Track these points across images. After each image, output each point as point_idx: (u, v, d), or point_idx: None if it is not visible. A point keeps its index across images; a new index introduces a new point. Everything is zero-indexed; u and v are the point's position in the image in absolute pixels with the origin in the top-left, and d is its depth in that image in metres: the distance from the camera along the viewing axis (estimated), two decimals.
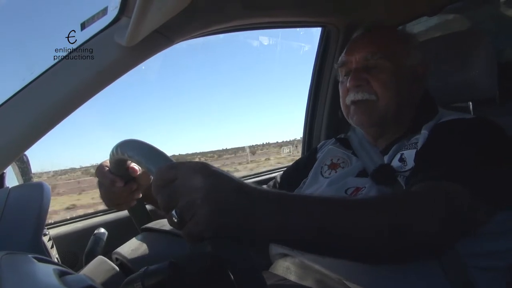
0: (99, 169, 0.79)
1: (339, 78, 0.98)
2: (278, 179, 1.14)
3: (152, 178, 0.50)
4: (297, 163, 1.17)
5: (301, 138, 1.71)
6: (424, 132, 0.82)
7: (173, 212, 0.46)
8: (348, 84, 0.89)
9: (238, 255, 0.46)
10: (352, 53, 0.92)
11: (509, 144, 0.74)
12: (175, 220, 0.46)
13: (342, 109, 0.96)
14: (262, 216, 0.48)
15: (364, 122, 0.90)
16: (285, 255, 0.86)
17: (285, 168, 1.21)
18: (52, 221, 1.26)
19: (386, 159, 0.86)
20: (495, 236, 0.71)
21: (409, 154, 0.82)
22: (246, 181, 0.51)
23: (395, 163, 0.83)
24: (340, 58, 0.96)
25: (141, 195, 0.85)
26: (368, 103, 0.88)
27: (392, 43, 0.91)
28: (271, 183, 1.16)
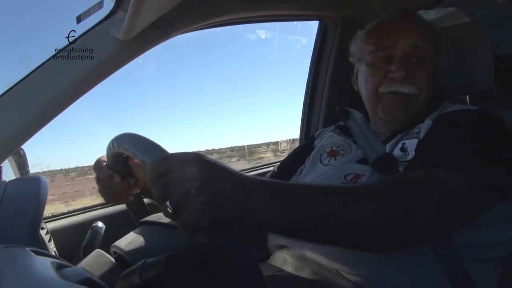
0: (97, 164, 0.79)
1: (363, 60, 0.93)
2: (276, 169, 1.14)
3: (147, 170, 0.50)
4: (294, 152, 1.16)
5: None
6: (427, 122, 0.82)
7: (167, 202, 0.46)
8: (395, 75, 0.85)
9: (235, 246, 0.46)
10: (396, 37, 0.86)
11: (508, 136, 0.74)
12: (170, 211, 0.46)
13: (369, 95, 0.91)
14: (259, 205, 0.48)
15: (400, 116, 0.87)
16: (282, 247, 0.87)
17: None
18: (50, 215, 1.26)
19: (387, 148, 0.86)
20: (491, 227, 0.71)
21: (411, 144, 0.81)
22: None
23: (397, 152, 0.83)
24: (376, 42, 0.90)
25: (139, 190, 0.85)
26: (410, 97, 0.85)
27: (434, 34, 0.88)
28: (268, 174, 1.16)
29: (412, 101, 0.86)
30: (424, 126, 0.82)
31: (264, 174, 1.36)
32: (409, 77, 0.85)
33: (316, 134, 1.12)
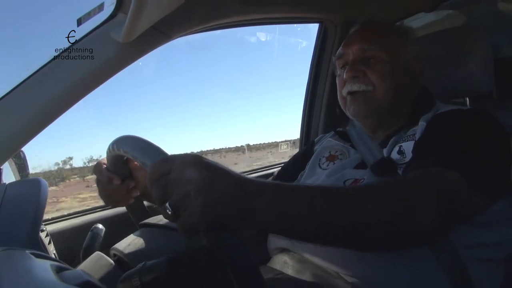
0: (97, 166, 0.78)
1: (337, 72, 0.99)
2: (276, 174, 1.14)
3: (147, 172, 0.50)
4: (294, 157, 1.17)
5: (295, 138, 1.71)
6: (422, 124, 0.82)
7: (167, 204, 0.46)
8: (345, 76, 0.90)
9: (235, 248, 0.45)
10: (349, 46, 0.93)
11: (505, 135, 0.75)
12: (169, 213, 0.45)
13: (339, 101, 0.96)
14: (259, 207, 0.47)
15: (360, 112, 0.90)
16: (283, 250, 0.87)
17: (283, 164, 1.21)
18: (50, 217, 1.26)
19: (384, 151, 0.87)
20: (491, 226, 0.71)
21: (408, 146, 0.82)
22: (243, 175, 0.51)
23: (394, 155, 0.84)
24: (337, 51, 0.97)
25: (139, 192, 0.85)
26: (365, 94, 0.88)
27: (389, 36, 0.92)
28: (270, 178, 1.17)
29: (367, 97, 0.88)
30: (419, 128, 0.82)
31: (264, 176, 1.36)
32: (359, 76, 0.88)
33: (315, 140, 1.13)
